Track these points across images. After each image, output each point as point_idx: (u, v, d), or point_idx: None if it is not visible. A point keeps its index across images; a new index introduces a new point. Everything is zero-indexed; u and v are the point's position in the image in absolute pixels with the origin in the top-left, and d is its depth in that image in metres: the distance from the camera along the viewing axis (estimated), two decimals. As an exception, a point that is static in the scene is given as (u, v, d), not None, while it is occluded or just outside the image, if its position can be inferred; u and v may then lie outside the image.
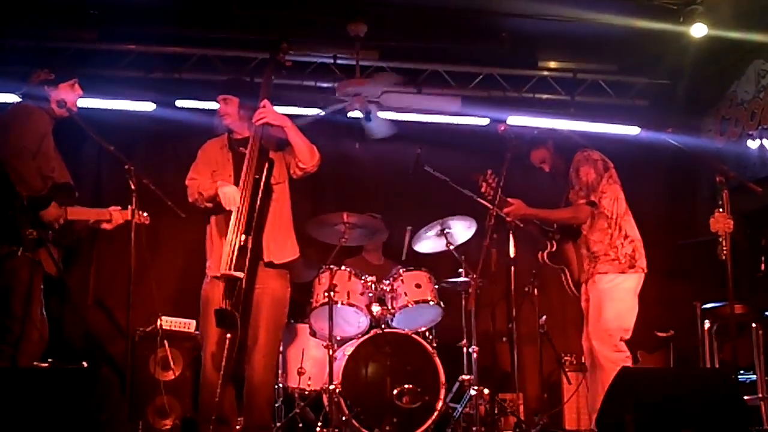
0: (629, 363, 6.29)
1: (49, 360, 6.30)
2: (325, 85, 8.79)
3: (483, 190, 6.59)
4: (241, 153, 6.22)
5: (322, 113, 8.43)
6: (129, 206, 6.04)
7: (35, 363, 5.92)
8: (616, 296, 6.30)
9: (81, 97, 6.22)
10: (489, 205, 6.50)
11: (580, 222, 6.42)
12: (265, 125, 6.20)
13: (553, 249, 6.68)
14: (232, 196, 6.02)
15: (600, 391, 6.21)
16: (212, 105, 6.56)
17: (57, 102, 6.02)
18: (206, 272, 6.26)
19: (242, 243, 5.92)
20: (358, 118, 8.36)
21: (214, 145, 6.42)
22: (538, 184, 7.05)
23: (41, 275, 5.81)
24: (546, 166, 6.74)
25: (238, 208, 5.98)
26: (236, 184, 6.11)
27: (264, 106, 6.21)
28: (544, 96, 9.33)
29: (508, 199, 6.52)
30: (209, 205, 6.19)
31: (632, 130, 9.39)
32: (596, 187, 6.40)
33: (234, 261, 5.91)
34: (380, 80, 8.28)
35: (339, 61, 8.82)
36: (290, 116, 6.32)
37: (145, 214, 6.09)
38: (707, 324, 7.54)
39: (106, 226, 6.24)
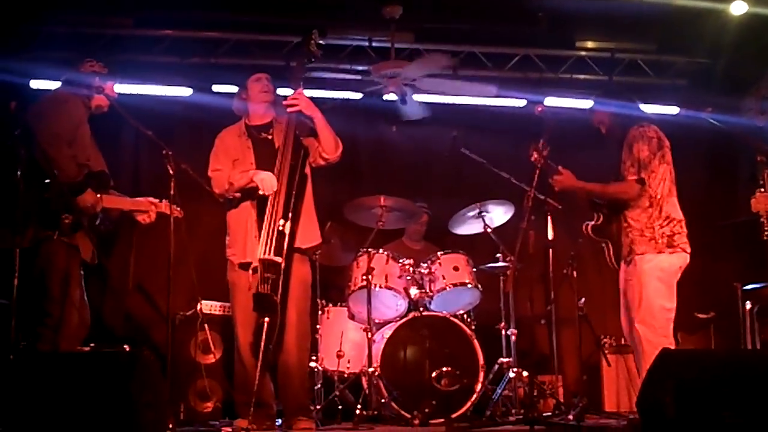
0: (672, 343, 6.22)
1: (91, 344, 6.37)
2: (360, 68, 8.77)
3: (533, 159, 6.49)
4: (262, 139, 6.29)
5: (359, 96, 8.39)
6: (164, 200, 6.11)
7: (78, 347, 5.97)
8: (655, 276, 6.22)
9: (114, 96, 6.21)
10: (525, 187, 6.46)
11: (629, 198, 6.30)
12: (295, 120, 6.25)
13: (599, 222, 6.58)
14: (270, 181, 6.06)
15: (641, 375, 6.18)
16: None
17: (94, 88, 6.04)
18: (229, 259, 6.30)
19: (281, 228, 5.96)
20: (394, 101, 8.33)
21: (232, 133, 6.45)
22: (576, 164, 6.99)
23: (78, 260, 5.85)
24: (604, 127, 6.61)
25: (274, 193, 6.02)
26: (258, 170, 6.15)
27: (299, 95, 6.24)
28: (582, 76, 9.26)
29: (559, 167, 6.47)
30: (237, 195, 6.23)
31: (671, 110, 9.31)
32: (648, 165, 6.28)
33: (273, 246, 5.95)
34: (430, 62, 8.21)
35: (374, 44, 8.80)
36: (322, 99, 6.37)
37: (179, 208, 6.12)
38: (748, 305, 7.48)
39: (142, 218, 6.27)
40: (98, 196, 5.99)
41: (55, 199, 5.68)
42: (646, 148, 6.28)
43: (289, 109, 6.24)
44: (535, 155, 6.47)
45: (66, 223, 5.72)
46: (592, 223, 6.56)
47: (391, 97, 8.31)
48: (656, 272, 6.19)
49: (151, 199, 6.31)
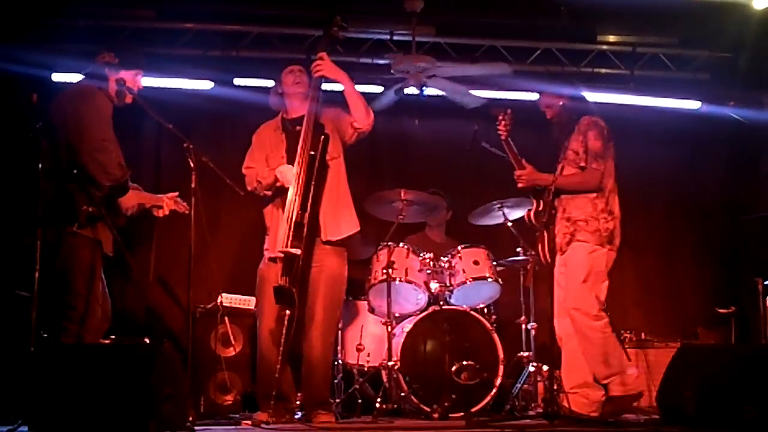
0: (609, 329, 6.20)
1: (112, 336, 6.39)
2: (381, 62, 8.76)
3: (499, 126, 6.50)
4: (295, 132, 6.26)
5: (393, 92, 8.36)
6: (170, 194, 6.15)
7: (100, 340, 6.00)
8: (595, 267, 6.20)
9: (140, 88, 6.19)
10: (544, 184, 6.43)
11: (591, 188, 6.25)
12: (319, 94, 6.23)
13: (540, 209, 6.52)
14: (288, 173, 6.06)
15: (582, 361, 6.16)
16: (270, 83, 6.58)
17: (116, 81, 6.03)
18: (264, 252, 6.32)
19: (298, 219, 5.96)
20: (414, 94, 8.32)
21: (268, 128, 6.46)
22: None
23: (100, 253, 5.87)
24: (550, 111, 6.58)
25: (295, 185, 6.02)
26: (290, 163, 6.15)
27: (322, 58, 6.23)
28: (603, 71, 9.22)
29: (523, 161, 6.45)
30: (268, 193, 6.25)
31: (693, 105, 9.28)
32: (601, 155, 6.25)
33: (291, 238, 5.95)
34: (492, 68, 8.22)
35: (395, 38, 8.79)
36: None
37: (185, 203, 6.13)
38: (769, 300, 7.45)
39: (156, 213, 6.30)
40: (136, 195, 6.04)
41: (77, 192, 5.68)
42: (600, 139, 6.26)
43: (314, 74, 6.24)
44: (502, 124, 6.45)
45: (86, 215, 5.72)
46: (533, 209, 6.53)
47: (411, 90, 8.30)
48: (596, 265, 6.16)
49: (171, 194, 6.34)
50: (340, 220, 6.27)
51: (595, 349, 6.15)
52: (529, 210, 6.63)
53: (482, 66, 8.46)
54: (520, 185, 6.52)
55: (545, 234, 6.42)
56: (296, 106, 6.37)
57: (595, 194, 6.25)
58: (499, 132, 6.51)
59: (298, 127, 6.27)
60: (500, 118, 6.51)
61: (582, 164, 6.28)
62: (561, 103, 6.54)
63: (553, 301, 6.28)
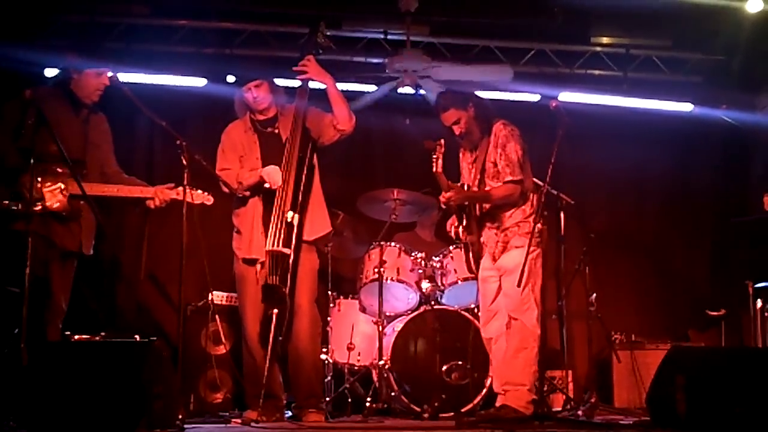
0: (538, 341, 6.06)
1: (102, 333, 6.39)
2: (375, 60, 8.76)
3: (435, 159, 6.15)
4: (269, 133, 6.31)
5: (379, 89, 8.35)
6: (182, 186, 6.06)
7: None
8: (533, 269, 6.11)
9: (102, 85, 6.03)
10: (539, 182, 6.41)
11: (514, 201, 6.17)
12: (306, 99, 6.26)
13: (464, 224, 6.42)
14: (276, 174, 6.08)
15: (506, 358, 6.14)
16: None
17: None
18: (235, 253, 6.34)
19: (290, 220, 5.99)
20: (409, 94, 8.32)
21: (238, 128, 6.46)
22: (591, 159, 6.97)
23: (54, 251, 5.78)
24: (459, 128, 6.31)
25: (281, 186, 6.03)
26: (264, 165, 6.18)
27: (308, 61, 6.24)
28: (597, 72, 9.23)
29: (449, 183, 6.21)
30: (247, 193, 6.24)
31: (686, 107, 9.29)
32: (522, 165, 6.16)
33: (282, 238, 5.97)
34: (493, 71, 8.21)
35: (389, 37, 8.79)
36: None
37: (206, 193, 6.04)
38: (759, 303, 7.46)
39: (149, 204, 6.13)
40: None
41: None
42: (519, 148, 6.15)
43: (299, 76, 6.25)
44: (437, 158, 6.15)
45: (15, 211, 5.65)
46: (461, 224, 6.36)
47: (405, 90, 8.31)
48: (534, 266, 6.11)
49: (168, 185, 6.20)
50: (317, 220, 6.32)
51: (520, 355, 6.07)
52: (455, 226, 6.46)
53: (483, 69, 8.44)
54: (445, 205, 6.30)
55: (471, 246, 6.32)
56: (266, 109, 6.40)
57: (522, 201, 6.19)
58: (434, 166, 6.19)
59: (269, 129, 6.33)
60: (437, 152, 6.19)
61: (508, 177, 6.13)
62: (468, 116, 6.29)
63: (481, 309, 6.30)
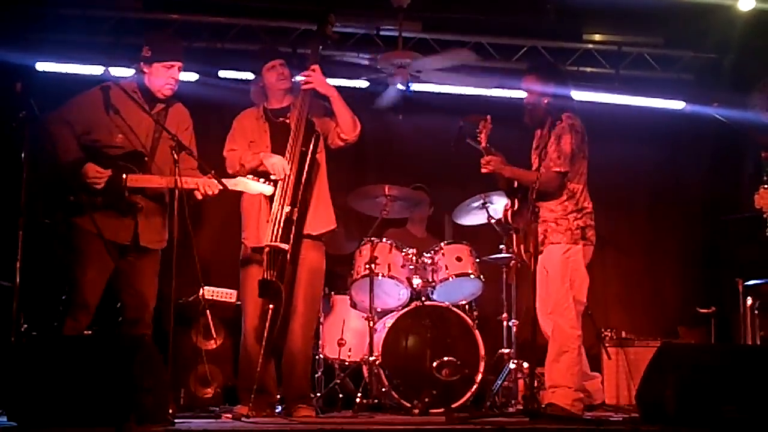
0: (579, 342, 6.13)
1: (93, 327, 6.37)
2: (367, 56, 8.75)
3: (480, 135, 6.32)
4: (279, 123, 6.28)
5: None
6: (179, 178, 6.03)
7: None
8: (572, 266, 6.15)
9: (173, 79, 6.06)
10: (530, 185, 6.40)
11: (550, 190, 6.19)
12: (311, 94, 6.23)
13: (515, 208, 6.49)
14: (280, 165, 6.04)
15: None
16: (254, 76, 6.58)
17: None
18: (243, 242, 6.30)
19: (288, 215, 5.96)
20: (401, 90, 8.32)
21: (250, 115, 6.44)
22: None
23: (102, 243, 5.77)
24: (528, 98, 6.46)
25: (283, 179, 6.01)
26: (274, 153, 6.14)
27: (314, 71, 6.22)
28: (589, 69, 9.24)
29: (492, 149, 6.31)
30: (249, 176, 6.21)
31: (677, 105, 9.32)
32: (572, 159, 6.18)
33: (280, 233, 5.95)
34: (453, 55, 8.19)
35: (382, 33, 8.78)
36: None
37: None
38: (749, 301, 7.48)
39: (196, 194, 6.02)
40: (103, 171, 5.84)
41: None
42: (573, 143, 6.18)
43: (303, 86, 6.23)
44: (483, 133, 6.31)
45: (71, 202, 5.69)
46: (510, 209, 6.48)
47: (398, 86, 8.30)
48: (570, 263, 6.14)
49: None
50: (320, 215, 6.29)
51: (561, 358, 6.10)
52: (506, 208, 6.57)
53: (444, 55, 8.38)
54: (484, 171, 6.38)
55: (524, 233, 6.35)
56: (279, 98, 6.37)
57: (565, 196, 6.21)
58: (479, 140, 6.37)
59: (281, 118, 6.29)
60: (481, 126, 6.39)
61: (553, 167, 6.18)
62: (546, 101, 6.40)
63: (536, 299, 6.25)
